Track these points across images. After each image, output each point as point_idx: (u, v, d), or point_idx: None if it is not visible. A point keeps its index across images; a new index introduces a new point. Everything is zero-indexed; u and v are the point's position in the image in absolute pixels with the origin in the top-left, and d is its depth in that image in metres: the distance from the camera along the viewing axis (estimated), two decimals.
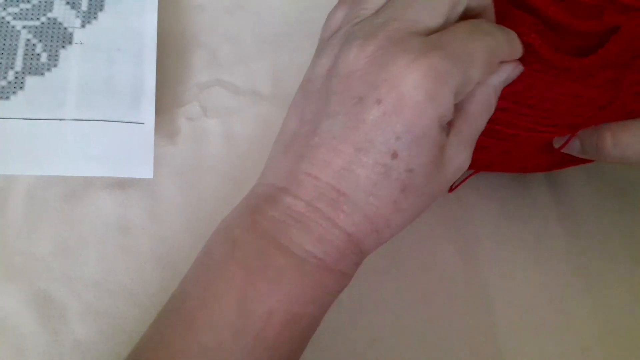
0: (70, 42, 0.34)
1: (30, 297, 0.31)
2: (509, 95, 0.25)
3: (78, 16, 0.35)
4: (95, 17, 0.35)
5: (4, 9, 0.35)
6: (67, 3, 0.35)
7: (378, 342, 0.32)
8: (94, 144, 0.33)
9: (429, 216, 0.34)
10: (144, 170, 0.33)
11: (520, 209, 0.35)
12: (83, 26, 0.35)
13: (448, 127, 0.23)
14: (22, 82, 0.33)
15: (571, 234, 0.35)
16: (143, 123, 0.33)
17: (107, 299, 0.31)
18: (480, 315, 0.32)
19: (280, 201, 0.22)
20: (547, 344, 0.32)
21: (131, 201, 0.34)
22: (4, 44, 0.34)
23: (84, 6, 0.35)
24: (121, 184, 0.34)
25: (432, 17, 0.22)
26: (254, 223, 0.22)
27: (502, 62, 0.24)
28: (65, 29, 0.35)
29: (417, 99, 0.21)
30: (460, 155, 0.23)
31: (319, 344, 0.29)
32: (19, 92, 0.33)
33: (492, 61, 0.23)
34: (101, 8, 0.36)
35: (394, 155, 0.21)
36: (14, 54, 0.34)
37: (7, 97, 0.33)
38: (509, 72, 0.24)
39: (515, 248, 0.34)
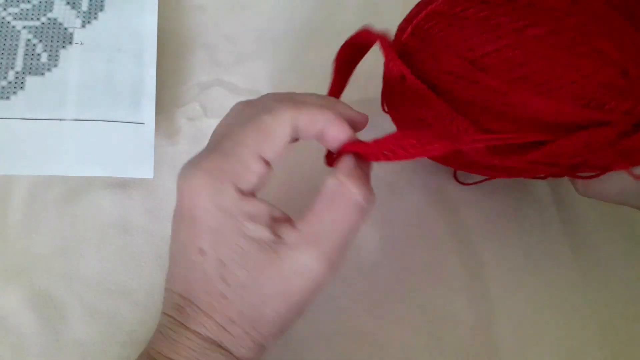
0: (70, 42, 0.35)
1: (30, 297, 0.31)
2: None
3: (78, 16, 0.35)
4: (95, 17, 0.35)
5: (5, 9, 0.35)
6: (68, 3, 0.35)
7: (378, 350, 0.32)
8: (94, 144, 0.33)
9: (435, 226, 0.34)
10: (145, 170, 0.33)
11: (522, 214, 0.35)
12: (83, 26, 0.35)
13: (287, 225, 0.23)
14: (22, 82, 0.33)
15: (576, 244, 0.35)
16: (143, 123, 0.33)
17: (107, 299, 0.31)
18: (481, 320, 0.33)
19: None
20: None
21: (131, 201, 0.34)
22: (5, 44, 0.34)
23: (84, 6, 0.35)
24: (121, 184, 0.34)
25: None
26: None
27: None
28: (65, 29, 0.35)
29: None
30: (301, 256, 0.23)
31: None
32: (19, 92, 0.33)
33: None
34: (101, 8, 0.36)
35: (201, 252, 0.23)
36: (15, 54, 0.34)
37: (8, 97, 0.33)
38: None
39: (519, 259, 0.34)
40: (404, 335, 0.32)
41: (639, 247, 0.35)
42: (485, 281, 0.33)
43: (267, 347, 0.25)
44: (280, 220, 0.24)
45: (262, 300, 0.23)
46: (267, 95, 0.26)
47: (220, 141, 0.24)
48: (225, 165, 0.23)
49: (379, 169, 0.32)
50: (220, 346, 0.23)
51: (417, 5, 0.29)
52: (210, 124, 0.36)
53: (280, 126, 0.24)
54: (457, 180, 0.35)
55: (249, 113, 0.25)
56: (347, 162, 0.24)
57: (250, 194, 0.24)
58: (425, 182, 0.36)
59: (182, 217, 0.24)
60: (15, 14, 0.35)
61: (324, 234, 0.23)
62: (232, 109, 0.26)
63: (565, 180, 0.35)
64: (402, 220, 0.35)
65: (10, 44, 0.34)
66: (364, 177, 0.24)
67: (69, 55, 0.34)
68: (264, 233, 0.23)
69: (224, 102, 0.37)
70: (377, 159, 0.25)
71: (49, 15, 0.35)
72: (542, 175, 0.31)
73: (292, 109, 0.24)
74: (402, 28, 0.29)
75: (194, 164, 0.24)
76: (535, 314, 0.33)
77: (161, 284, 0.32)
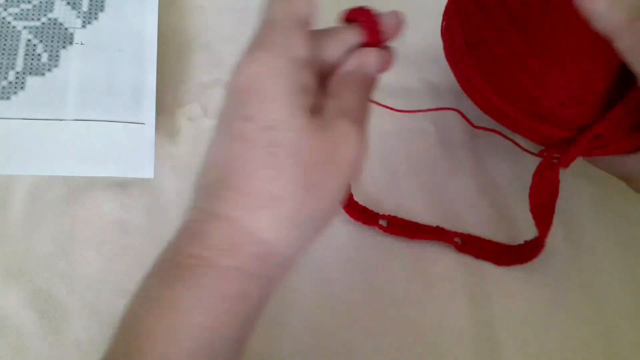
0: (70, 43, 0.35)
1: (31, 297, 0.31)
2: None
3: (79, 16, 0.35)
4: (95, 18, 0.35)
5: (5, 9, 0.35)
6: (68, 3, 0.35)
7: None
8: (94, 144, 0.33)
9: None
10: (145, 170, 0.33)
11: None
12: (84, 26, 0.35)
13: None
14: (22, 82, 0.33)
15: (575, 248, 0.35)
16: (144, 123, 0.33)
17: (107, 299, 0.31)
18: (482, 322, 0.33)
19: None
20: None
21: (131, 201, 0.34)
22: (5, 45, 0.34)
23: (85, 6, 0.35)
24: (122, 184, 0.34)
25: None
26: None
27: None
28: (65, 29, 0.35)
29: None
30: (341, 125, 0.23)
31: None
32: (20, 92, 0.33)
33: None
34: (102, 8, 0.36)
35: (247, 118, 0.22)
36: (15, 54, 0.34)
37: (8, 97, 0.33)
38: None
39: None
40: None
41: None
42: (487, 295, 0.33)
43: (312, 238, 0.23)
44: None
45: (311, 169, 0.22)
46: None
47: (257, 39, 0.24)
48: (277, 40, 0.23)
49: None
50: (252, 233, 0.21)
51: None
52: (210, 124, 0.36)
53: None
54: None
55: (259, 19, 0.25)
56: (358, 54, 0.25)
57: (305, 63, 0.23)
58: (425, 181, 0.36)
59: (232, 91, 0.23)
60: (16, 14, 0.35)
61: (349, 106, 0.24)
62: None
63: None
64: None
65: (11, 44, 0.34)
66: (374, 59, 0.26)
67: (69, 56, 0.34)
68: (311, 102, 0.23)
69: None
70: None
71: (50, 15, 0.35)
72: None
73: None
74: None
75: (246, 53, 0.23)
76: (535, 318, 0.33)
77: None
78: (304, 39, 0.24)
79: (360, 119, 0.24)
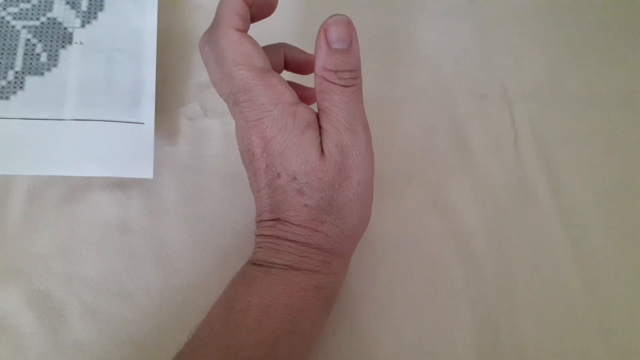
0: (70, 42, 0.34)
1: (30, 297, 0.31)
2: None
3: (78, 16, 0.35)
4: (95, 17, 0.35)
5: (4, 8, 0.35)
6: (67, 3, 0.35)
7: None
8: (93, 144, 0.32)
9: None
10: (144, 171, 0.32)
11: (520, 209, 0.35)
12: (83, 26, 0.35)
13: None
14: (22, 82, 0.33)
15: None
16: (143, 123, 0.33)
17: (107, 299, 0.31)
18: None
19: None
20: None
21: (131, 201, 0.34)
22: (4, 44, 0.34)
23: (84, 6, 0.35)
24: (121, 184, 0.34)
25: None
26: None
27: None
28: (65, 28, 0.35)
29: None
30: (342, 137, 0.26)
31: None
32: (19, 92, 0.33)
33: None
34: (101, 8, 0.36)
35: (279, 176, 0.27)
36: (14, 53, 0.34)
37: (7, 97, 0.33)
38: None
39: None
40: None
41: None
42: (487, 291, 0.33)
43: (358, 239, 0.28)
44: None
45: (333, 194, 0.26)
46: None
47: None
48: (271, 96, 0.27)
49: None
50: (316, 247, 0.27)
51: None
52: (210, 124, 0.36)
53: None
54: None
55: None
56: (320, 57, 0.27)
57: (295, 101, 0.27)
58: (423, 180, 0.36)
59: (251, 157, 0.27)
60: (15, 13, 0.35)
61: (337, 117, 0.27)
62: None
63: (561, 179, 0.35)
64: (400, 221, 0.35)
65: (10, 44, 0.34)
66: (342, 61, 0.27)
67: (68, 55, 0.34)
68: (318, 136, 0.27)
69: (224, 102, 0.36)
70: None
71: (49, 15, 0.35)
72: None
73: None
74: None
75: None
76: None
77: (161, 284, 0.32)
78: (283, 83, 0.27)
79: (351, 124, 0.27)
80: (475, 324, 0.32)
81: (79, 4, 0.35)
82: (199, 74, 0.37)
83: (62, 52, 0.34)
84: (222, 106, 0.36)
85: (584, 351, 0.32)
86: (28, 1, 0.35)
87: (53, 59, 0.34)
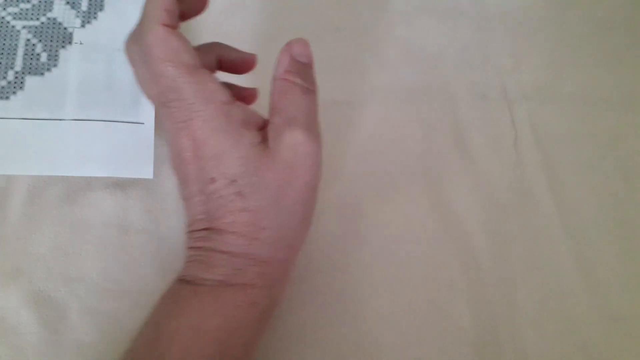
0: (70, 42, 0.34)
1: (30, 297, 0.31)
2: None
3: (78, 16, 0.35)
4: (95, 17, 0.35)
5: (4, 9, 0.35)
6: (67, 3, 0.35)
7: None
8: (93, 144, 0.33)
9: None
10: (144, 171, 0.33)
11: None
12: (83, 26, 0.35)
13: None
14: (22, 82, 0.33)
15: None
16: (143, 123, 0.33)
17: (107, 299, 0.31)
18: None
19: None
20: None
21: (131, 201, 0.34)
22: (4, 44, 0.34)
23: (84, 6, 0.35)
24: (121, 184, 0.34)
25: None
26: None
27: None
28: (65, 28, 0.35)
29: None
30: (288, 138, 0.25)
31: None
32: (19, 92, 0.33)
33: None
34: (101, 8, 0.36)
35: (212, 181, 0.25)
36: (14, 54, 0.34)
37: (7, 97, 0.33)
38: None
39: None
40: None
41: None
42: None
43: (299, 248, 0.27)
44: (258, 118, 0.27)
45: (278, 195, 0.25)
46: None
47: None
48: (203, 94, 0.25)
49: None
50: (252, 258, 0.25)
51: None
52: None
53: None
54: None
55: None
56: (283, 64, 0.27)
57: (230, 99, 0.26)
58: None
59: (180, 161, 0.26)
60: (15, 13, 0.35)
61: (294, 115, 0.26)
62: None
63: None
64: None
65: (10, 44, 0.34)
66: (303, 71, 0.27)
67: (68, 55, 0.34)
68: (257, 135, 0.25)
69: None
70: None
71: (49, 15, 0.35)
72: None
73: None
74: None
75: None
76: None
77: (161, 284, 0.32)
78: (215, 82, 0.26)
79: (307, 124, 0.26)
80: (475, 324, 0.32)
81: (79, 4, 0.35)
82: None
83: (62, 52, 0.34)
84: None
85: (584, 350, 0.32)
86: (28, 1, 0.35)
87: (53, 59, 0.34)
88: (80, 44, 0.35)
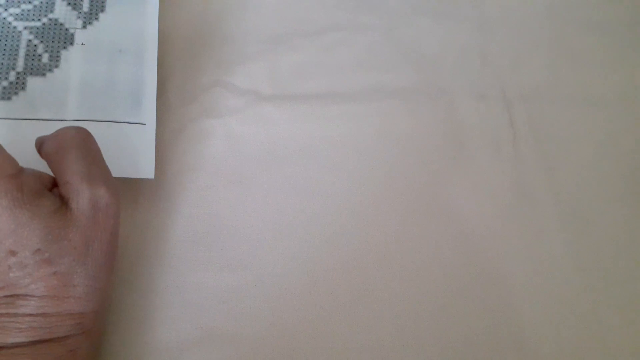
0: (71, 43, 0.35)
1: None
2: None
3: (79, 17, 0.35)
4: (96, 18, 0.35)
5: (6, 9, 0.35)
6: (69, 4, 0.35)
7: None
8: None
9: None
10: (145, 171, 0.33)
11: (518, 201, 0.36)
12: (84, 27, 0.35)
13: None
14: (23, 83, 0.33)
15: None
16: (144, 123, 0.33)
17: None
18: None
19: None
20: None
21: (131, 201, 0.34)
22: (6, 45, 0.34)
23: (85, 7, 0.36)
24: (121, 184, 0.34)
25: None
26: None
27: None
28: (66, 29, 0.35)
29: None
30: (86, 196, 0.25)
31: None
32: (21, 93, 0.33)
33: None
34: (102, 9, 0.36)
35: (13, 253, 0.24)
36: (16, 54, 0.34)
37: (9, 98, 0.33)
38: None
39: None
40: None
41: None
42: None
43: (109, 295, 0.27)
44: (50, 178, 0.26)
45: (87, 252, 0.25)
46: None
47: None
48: None
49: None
50: (67, 314, 0.25)
51: None
52: (211, 124, 0.36)
53: None
54: None
55: None
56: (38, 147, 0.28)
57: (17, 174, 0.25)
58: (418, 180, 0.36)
59: None
60: (17, 14, 0.35)
61: (83, 170, 0.26)
62: None
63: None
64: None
65: (12, 45, 0.34)
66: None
67: (70, 56, 0.34)
68: (55, 201, 0.25)
69: (224, 103, 0.37)
70: None
71: (50, 15, 0.35)
72: None
73: None
74: None
75: None
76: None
77: (161, 284, 0.32)
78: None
79: (102, 176, 0.26)
80: (475, 324, 0.32)
81: (80, 5, 0.36)
82: (200, 75, 0.37)
83: (63, 53, 0.34)
84: (222, 106, 0.37)
85: (582, 349, 0.32)
86: (29, 2, 0.35)
87: (54, 60, 0.34)
88: (82, 44, 0.35)
